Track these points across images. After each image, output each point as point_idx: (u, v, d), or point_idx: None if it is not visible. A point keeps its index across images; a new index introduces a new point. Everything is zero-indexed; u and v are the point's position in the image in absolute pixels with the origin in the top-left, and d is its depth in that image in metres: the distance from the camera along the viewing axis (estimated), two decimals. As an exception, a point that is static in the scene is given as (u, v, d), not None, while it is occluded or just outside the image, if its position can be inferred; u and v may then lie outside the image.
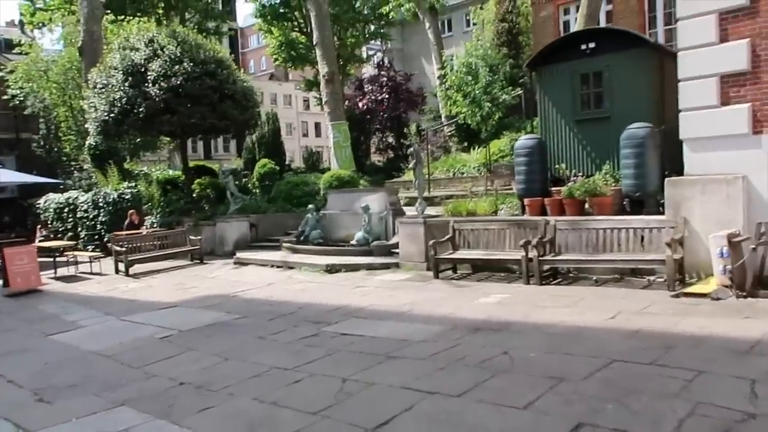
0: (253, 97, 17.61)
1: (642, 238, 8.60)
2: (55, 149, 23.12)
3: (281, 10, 34.83)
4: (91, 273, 13.99)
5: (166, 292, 11.29)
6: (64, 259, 14.61)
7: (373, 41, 42.17)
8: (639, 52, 10.26)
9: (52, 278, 13.56)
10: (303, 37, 35.06)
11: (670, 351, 5.32)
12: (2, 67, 22.18)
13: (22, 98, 21.70)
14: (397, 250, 12.23)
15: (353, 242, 13.57)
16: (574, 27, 23.55)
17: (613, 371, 4.94)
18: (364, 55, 39.22)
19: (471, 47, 12.68)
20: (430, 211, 12.91)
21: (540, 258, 8.95)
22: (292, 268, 12.56)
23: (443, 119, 24.08)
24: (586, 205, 10.11)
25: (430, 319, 7.55)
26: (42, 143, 23.60)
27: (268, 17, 34.95)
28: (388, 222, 13.44)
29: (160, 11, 27.71)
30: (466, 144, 23.85)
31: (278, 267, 12.86)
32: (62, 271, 14.20)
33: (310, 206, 14.65)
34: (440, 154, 22.90)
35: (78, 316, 9.71)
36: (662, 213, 9.09)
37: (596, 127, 10.78)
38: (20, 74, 21.65)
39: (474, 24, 37.59)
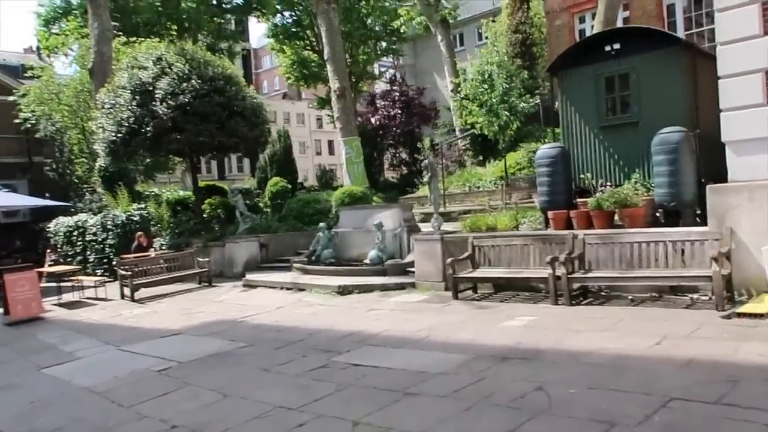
0: (262, 114, 17.06)
1: (682, 251, 7.77)
2: (68, 172, 22.79)
3: (293, 30, 34.67)
4: (97, 298, 13.39)
5: (171, 318, 10.64)
6: (69, 284, 14.04)
7: (384, 57, 41.88)
8: (669, 51, 9.49)
9: (56, 305, 12.98)
10: (315, 55, 34.78)
11: (737, 386, 4.49)
12: (15, 90, 21.90)
13: (34, 122, 21.42)
14: (412, 269, 11.48)
15: (366, 261, 12.85)
16: (589, 32, 22.89)
17: (673, 413, 4.12)
18: (377, 72, 38.78)
19: (486, 54, 11.98)
20: (447, 227, 12.16)
21: (569, 276, 8.14)
22: (302, 290, 11.85)
23: (457, 132, 23.39)
24: (616, 217, 9.32)
25: (450, 346, 6.77)
26: (54, 166, 23.29)
27: (281, 36, 34.81)
28: (402, 239, 12.71)
29: (174, 33, 27.45)
30: (481, 158, 23.10)
31: (288, 289, 12.16)
32: (67, 297, 13.63)
33: (321, 224, 13.98)
34: (455, 168, 22.15)
35: (76, 346, 9.06)
36: (700, 224, 8.28)
37: (623, 133, 10.00)
38: (32, 98, 21.39)
39: (486, 38, 37.15)
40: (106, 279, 14.51)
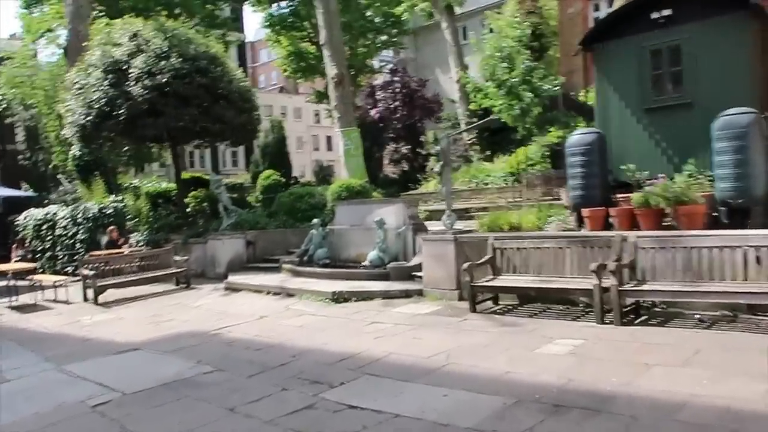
0: (251, 98, 15.32)
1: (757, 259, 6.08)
2: (41, 160, 20.97)
3: (290, 20, 32.90)
4: (56, 301, 11.64)
5: (135, 328, 8.91)
6: (28, 283, 12.28)
7: (385, 51, 40.14)
8: (734, 18, 7.83)
9: (8, 307, 11.24)
10: (313, 47, 33.01)
11: None
12: (-15, 73, 20.11)
13: (4, 106, 19.61)
14: (419, 274, 9.78)
15: (366, 263, 11.14)
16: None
17: None
18: (376, 66, 37.04)
19: (506, 26, 10.28)
20: (458, 225, 10.49)
21: (620, 288, 6.44)
22: (291, 295, 10.12)
23: (462, 125, 21.70)
24: (666, 216, 7.67)
25: (478, 381, 5.08)
26: (29, 155, 21.47)
27: (277, 27, 33.05)
28: (407, 239, 11.00)
29: (163, 18, 25.61)
30: (488, 152, 21.45)
31: (275, 294, 10.42)
32: (25, 299, 11.86)
33: (315, 220, 12.26)
34: (460, 164, 20.46)
35: (10, 363, 7.30)
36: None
37: (673, 116, 8.34)
38: (3, 80, 19.56)
39: (491, 31, 35.48)
40: (74, 278, 12.76)
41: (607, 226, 8.17)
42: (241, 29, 41.06)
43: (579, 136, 8.52)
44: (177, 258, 12.43)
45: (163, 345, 7.63)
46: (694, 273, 6.38)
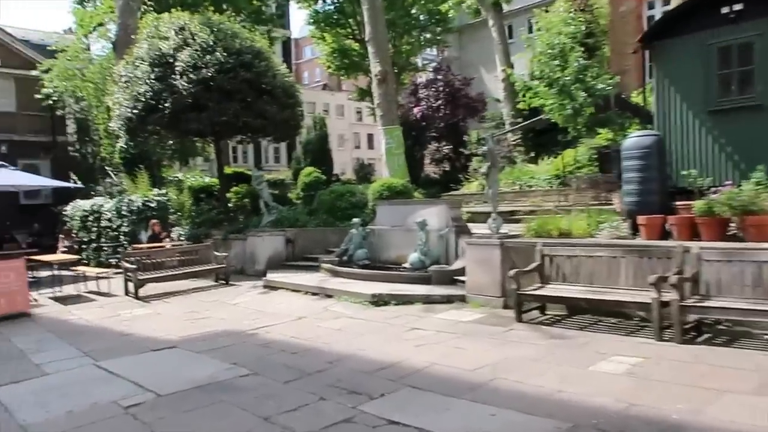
0: (294, 94, 15.19)
1: None
2: (91, 153, 21.39)
3: (335, 17, 32.85)
4: (98, 293, 11.72)
5: (172, 324, 8.83)
6: (73, 274, 12.43)
7: (428, 50, 39.69)
8: (814, 13, 7.20)
9: (51, 298, 11.37)
10: (356, 44, 32.93)
11: None
12: (39, 64, 20.56)
13: (56, 98, 20.06)
14: (461, 278, 9.44)
15: (406, 265, 10.86)
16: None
17: None
18: (420, 64, 36.65)
19: (559, 22, 9.79)
20: (503, 229, 10.07)
21: (681, 303, 5.95)
22: (330, 296, 9.91)
23: (507, 125, 21.16)
24: (731, 226, 7.12)
25: (527, 399, 4.72)
26: (78, 147, 21.95)
27: (322, 24, 33.05)
28: (449, 241, 10.66)
29: (210, 12, 25.83)
30: (533, 154, 20.85)
31: (314, 294, 10.23)
32: (68, 290, 11.99)
33: (355, 220, 12.03)
34: (504, 165, 19.92)
35: (49, 356, 7.30)
36: None
37: (742, 119, 7.77)
38: (55, 73, 20.00)
39: (539, 30, 34.61)
40: (117, 270, 12.87)
41: (665, 235, 7.66)
42: (286, 26, 41.24)
43: (636, 138, 8.01)
44: (217, 254, 12.39)
45: (199, 343, 7.50)
46: (765, 289, 5.85)
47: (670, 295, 6.01)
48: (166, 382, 5.86)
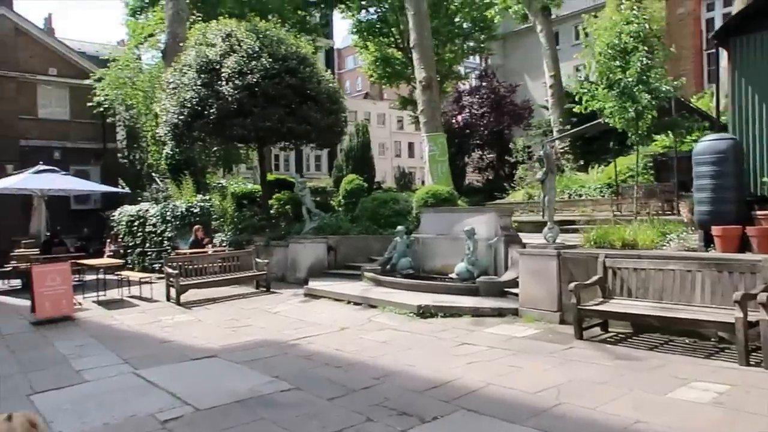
0: (339, 100, 14.92)
1: None
2: (139, 159, 21.63)
3: (377, 26, 32.74)
4: (141, 297, 11.59)
5: (212, 332, 8.55)
6: (118, 278, 12.34)
7: (471, 58, 39.13)
8: None
9: (95, 302, 11.28)
10: (399, 53, 32.74)
11: None
12: (92, 74, 20.95)
13: (106, 106, 20.36)
14: (512, 290, 8.88)
15: (452, 275, 10.35)
16: (719, 23, 19.33)
17: None
18: (462, 72, 36.11)
19: (621, 20, 9.17)
20: (540, 240, 9.45)
21: (772, 324, 5.28)
22: (373, 306, 9.47)
23: (555, 132, 20.42)
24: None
25: (598, 429, 4.16)
26: (127, 153, 22.25)
27: (365, 33, 32.99)
28: (498, 251, 10.11)
29: (257, 20, 25.98)
30: (582, 162, 20.07)
31: (356, 304, 9.82)
32: (112, 294, 11.91)
33: (399, 228, 11.59)
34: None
35: (89, 362, 7.07)
36: None
37: (831, 122, 6.97)
38: (107, 82, 20.32)
39: (587, 35, 33.54)
40: (160, 275, 12.76)
41: (742, 248, 6.95)
42: (330, 35, 41.36)
43: (710, 142, 7.31)
44: (258, 260, 12.12)
45: (239, 353, 7.16)
46: None
47: (757, 315, 5.34)
48: (206, 394, 5.51)
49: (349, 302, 9.98)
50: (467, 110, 24.11)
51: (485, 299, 8.93)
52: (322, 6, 33.46)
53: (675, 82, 9.16)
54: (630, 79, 8.77)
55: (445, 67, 31.68)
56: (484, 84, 24.55)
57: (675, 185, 13.38)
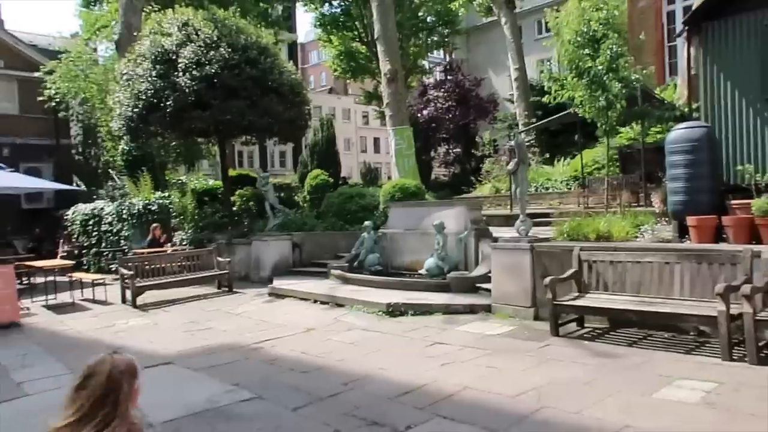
0: (302, 93, 14.37)
1: None
2: (93, 155, 20.57)
3: (341, 19, 32.11)
4: (94, 300, 10.87)
5: (170, 336, 7.98)
6: (69, 280, 11.57)
7: (435, 51, 38.88)
8: None
9: (45, 306, 10.51)
10: (363, 47, 32.20)
11: None
12: (42, 67, 19.80)
13: (58, 100, 19.25)
14: (484, 286, 8.57)
15: (422, 271, 9.98)
16: (680, 16, 19.45)
17: None
18: (427, 66, 35.82)
19: (590, 6, 8.91)
20: (511, 233, 9.17)
21: (757, 317, 5.04)
22: (341, 305, 9.03)
23: (520, 126, 20.27)
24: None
25: (589, 437, 3.82)
26: (80, 149, 21.14)
27: (328, 26, 32.32)
28: (469, 246, 9.78)
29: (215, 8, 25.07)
30: (548, 155, 19.98)
31: (323, 303, 9.35)
32: (63, 297, 11.15)
33: (367, 223, 11.16)
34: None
35: (32, 373, 6.45)
36: None
37: (804, 108, 6.83)
38: (58, 74, 19.22)
39: (548, 29, 33.65)
40: (116, 276, 12.04)
41: (718, 238, 6.76)
42: (293, 29, 40.51)
43: (683, 130, 7.10)
44: (220, 259, 11.53)
45: (198, 359, 6.64)
46: None
47: (740, 308, 5.10)
48: (157, 407, 4.94)
49: (315, 301, 9.51)
50: (433, 104, 23.78)
51: (456, 296, 8.59)
52: (285, -1, 32.69)
53: (644, 71, 8.95)
54: (600, 67, 8.52)
55: (410, 61, 31.28)
56: (449, 78, 24.24)
57: (642, 176, 13.31)
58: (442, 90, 23.91)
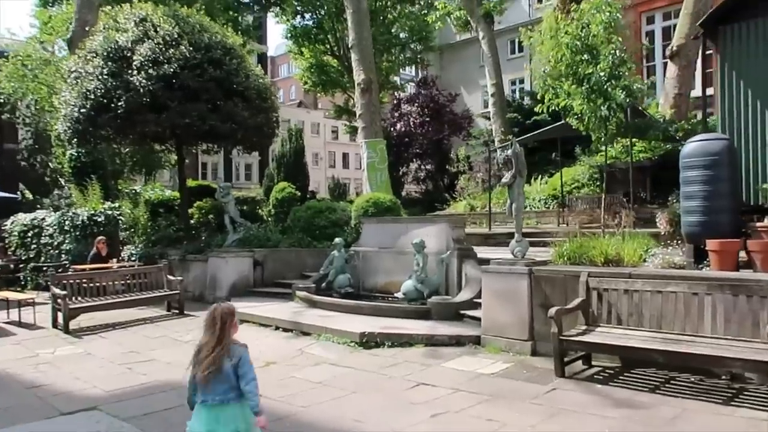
0: (270, 98, 13.21)
1: None
2: (40, 161, 18.91)
3: (313, 32, 31.16)
4: (21, 323, 9.37)
5: (102, 370, 6.66)
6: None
7: (408, 69, 38.30)
8: None
9: (-38, 330, 9.00)
10: (335, 60, 31.33)
11: None
12: (-14, 66, 18.19)
13: (1, 101, 17.63)
14: (469, 313, 7.56)
15: (398, 295, 8.89)
16: (659, 37, 19.10)
17: None
18: (399, 82, 35.12)
19: (588, 9, 8.08)
20: (496, 254, 8.25)
21: (818, 364, 4.10)
22: (307, 334, 7.83)
23: (497, 142, 19.49)
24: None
25: None
26: (26, 155, 19.44)
27: (300, 39, 31.35)
28: (451, 267, 8.73)
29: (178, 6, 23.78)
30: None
31: (286, 331, 8.14)
32: (-11, 319, 9.63)
33: (337, 240, 10.03)
34: (494, 183, 18.22)
35: None
36: None
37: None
38: (4, 74, 17.61)
39: (524, 47, 33.35)
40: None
41: (739, 265, 5.87)
42: (263, 41, 39.40)
43: (701, 143, 6.23)
44: (170, 278, 10.18)
45: (130, 404, 5.39)
46: None
47: (795, 352, 4.16)
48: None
49: (277, 328, 8.28)
50: (406, 118, 22.89)
51: (439, 324, 7.51)
52: (256, 8, 31.56)
53: (647, 82, 8.14)
54: (602, 74, 7.65)
55: (382, 76, 30.50)
56: (423, 92, 23.40)
57: (624, 195, 12.63)
58: (416, 104, 23.05)
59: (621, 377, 5.41)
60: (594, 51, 7.98)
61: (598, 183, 15.40)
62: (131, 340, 8.23)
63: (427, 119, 22.27)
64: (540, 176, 17.79)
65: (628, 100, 7.79)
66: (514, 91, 29.39)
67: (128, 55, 11.64)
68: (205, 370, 3.08)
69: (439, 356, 6.49)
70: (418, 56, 32.93)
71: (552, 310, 5.48)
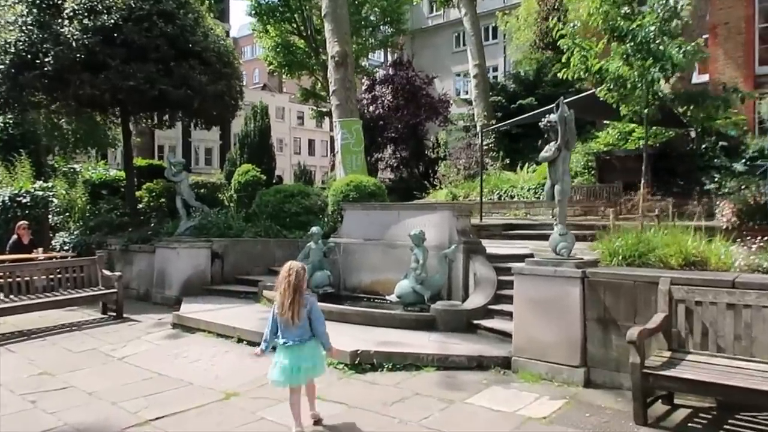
0: (233, 62, 11.22)
1: None
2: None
3: (279, 10, 28.87)
4: None
5: (-6, 404, 4.69)
6: None
7: (377, 53, 36.44)
8: None
9: None
10: (302, 41, 29.21)
11: None
12: None
13: None
14: (483, 323, 5.89)
15: (391, 298, 7.17)
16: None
17: None
18: (368, 67, 33.21)
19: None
20: (501, 249, 6.63)
21: None
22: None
23: (478, 127, 17.89)
24: None
25: None
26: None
27: (264, 16, 29.01)
28: (456, 265, 7.04)
29: None
30: (508, 161, 17.78)
31: (252, 345, 6.26)
32: None
33: (314, 229, 8.18)
34: (476, 171, 16.66)
35: None
36: None
37: None
38: None
39: (495, 37, 31.98)
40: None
41: None
42: (225, 19, 36.79)
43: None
44: (107, 273, 8.13)
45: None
46: None
47: None
48: None
49: (240, 340, 6.42)
50: (380, 101, 21.06)
51: (449, 338, 5.81)
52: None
53: (699, 41, 6.58)
54: (651, 29, 6.02)
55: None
56: (399, 73, 21.57)
57: (647, 182, 11.22)
58: (390, 86, 21.21)
59: (725, 427, 3.82)
60: (633, 4, 6.33)
61: (593, 172, 14.01)
62: (47, 355, 6.23)
63: (402, 102, 20.48)
64: (527, 164, 16.31)
65: (684, 60, 6.18)
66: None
67: (58, 2, 9.48)
68: (294, 316, 3.76)
69: (459, 386, 4.79)
70: (390, 40, 31.14)
71: (632, 332, 3.84)
